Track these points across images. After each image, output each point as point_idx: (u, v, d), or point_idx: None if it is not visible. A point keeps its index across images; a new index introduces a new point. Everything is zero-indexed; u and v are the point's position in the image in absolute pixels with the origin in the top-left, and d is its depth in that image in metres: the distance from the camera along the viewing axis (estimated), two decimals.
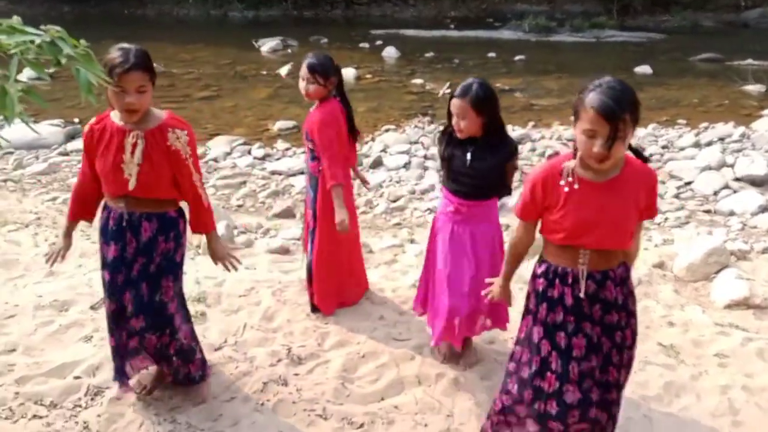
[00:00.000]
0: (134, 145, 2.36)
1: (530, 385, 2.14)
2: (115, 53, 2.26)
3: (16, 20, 1.30)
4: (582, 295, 2.05)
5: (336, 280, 3.52)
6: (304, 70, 3.22)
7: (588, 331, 2.09)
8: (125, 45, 2.31)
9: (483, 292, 2.52)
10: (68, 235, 2.64)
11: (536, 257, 2.22)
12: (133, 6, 24.52)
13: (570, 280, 2.07)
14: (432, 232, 3.07)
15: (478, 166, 2.81)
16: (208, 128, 8.77)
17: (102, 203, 2.58)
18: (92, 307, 3.59)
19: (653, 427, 2.68)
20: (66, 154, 7.47)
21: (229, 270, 2.66)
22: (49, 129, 7.90)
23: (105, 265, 2.54)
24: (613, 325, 2.09)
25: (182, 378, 2.72)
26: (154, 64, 2.41)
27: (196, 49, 15.36)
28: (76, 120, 8.87)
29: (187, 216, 2.61)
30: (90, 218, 2.65)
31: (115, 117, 2.41)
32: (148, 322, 2.51)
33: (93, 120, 2.48)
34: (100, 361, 3.01)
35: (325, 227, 3.36)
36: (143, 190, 2.41)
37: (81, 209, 2.62)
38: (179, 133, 2.40)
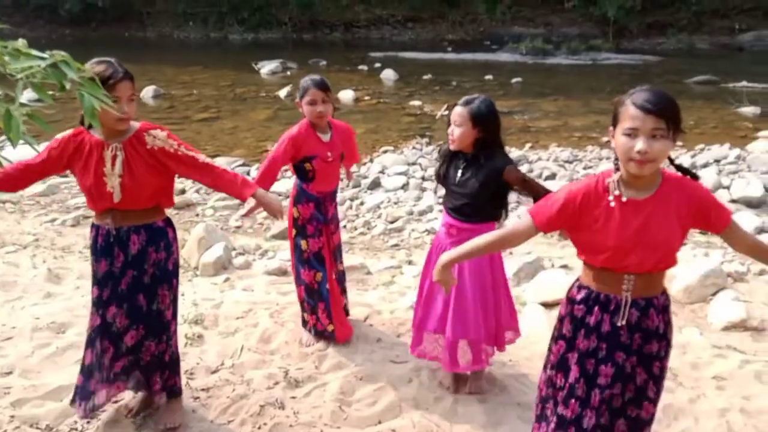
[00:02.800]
0: (114, 157, 2.37)
1: (554, 414, 2.08)
2: (100, 66, 2.28)
3: (21, 43, 1.32)
4: (621, 323, 1.95)
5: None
6: (315, 93, 3.13)
7: (620, 361, 1.98)
8: (105, 58, 2.33)
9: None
10: None
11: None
12: (134, 28, 24.82)
13: (612, 308, 1.97)
14: (428, 252, 3.07)
15: (467, 183, 2.80)
16: (207, 149, 8.82)
17: (91, 222, 2.59)
18: None
19: None
20: (65, 175, 7.49)
21: (279, 219, 2.68)
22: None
23: (95, 281, 2.56)
24: (652, 355, 1.99)
25: (168, 390, 2.70)
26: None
27: (196, 71, 15.51)
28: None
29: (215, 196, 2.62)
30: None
31: (94, 131, 2.41)
32: (148, 329, 2.54)
33: (69, 132, 2.45)
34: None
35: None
36: (128, 201, 2.42)
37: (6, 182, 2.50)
38: (155, 132, 2.42)
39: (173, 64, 16.40)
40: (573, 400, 2.02)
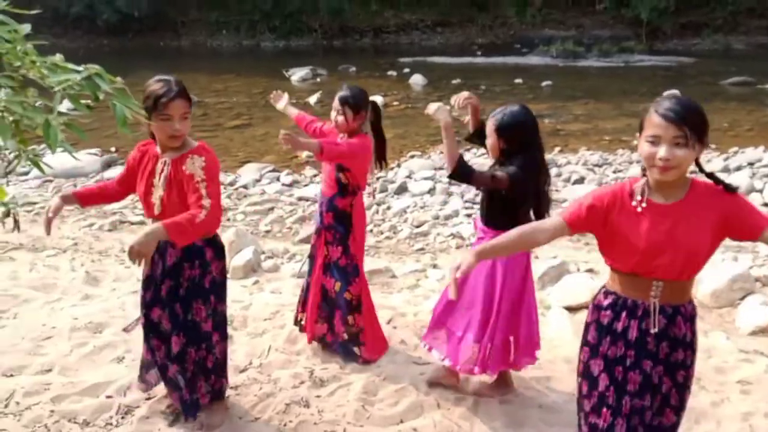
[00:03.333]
0: (161, 172, 2.51)
1: (586, 422, 2.09)
2: (156, 84, 2.41)
3: (59, 58, 1.43)
4: (654, 330, 1.96)
5: (378, 322, 3.52)
6: (336, 102, 3.23)
7: (647, 369, 1.99)
8: (164, 76, 2.46)
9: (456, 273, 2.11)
10: (65, 201, 2.63)
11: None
12: (169, 38, 25.38)
13: (639, 313, 1.99)
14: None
15: (486, 189, 2.87)
16: (239, 156, 9.01)
17: None
18: (125, 329, 3.72)
19: None
20: (103, 181, 7.74)
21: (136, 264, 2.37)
22: (86, 158, 8.22)
23: (141, 283, 2.73)
24: (677, 363, 2.00)
25: (212, 392, 2.82)
26: (172, 77, 2.55)
27: (228, 79, 15.81)
28: (113, 149, 9.20)
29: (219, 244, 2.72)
30: (82, 205, 2.80)
31: (157, 144, 2.57)
32: (188, 338, 2.66)
33: (139, 143, 2.68)
34: (130, 381, 3.12)
35: (363, 266, 3.41)
36: (167, 215, 2.50)
37: (88, 197, 2.76)
38: (196, 158, 2.48)
39: (206, 72, 16.75)
40: (605, 409, 2.03)
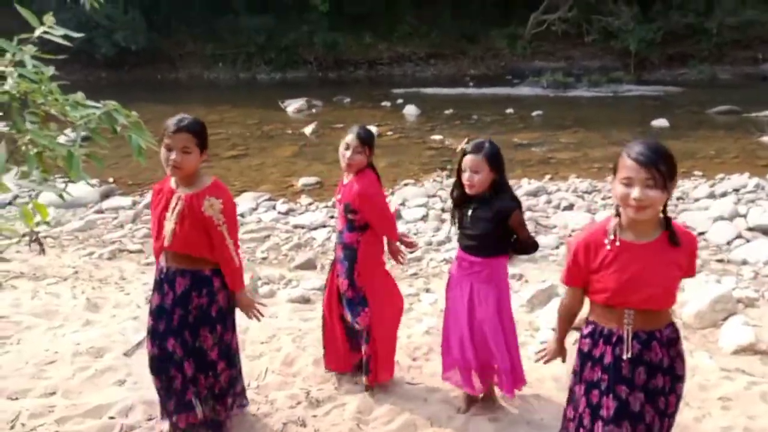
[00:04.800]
0: (175, 206, 2.66)
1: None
2: (171, 119, 2.60)
3: (80, 96, 1.59)
4: (627, 356, 2.07)
5: (393, 351, 3.50)
6: (353, 140, 3.21)
7: (623, 395, 2.09)
8: (183, 114, 2.63)
9: (538, 356, 2.63)
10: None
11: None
12: (166, 70, 25.71)
13: (614, 340, 2.11)
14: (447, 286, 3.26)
15: (478, 223, 3.00)
16: (235, 185, 9.15)
17: None
18: (125, 354, 3.83)
19: None
20: (101, 211, 7.87)
21: (253, 318, 2.89)
22: (85, 188, 8.34)
23: (150, 311, 2.83)
24: (657, 390, 2.09)
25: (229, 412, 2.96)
26: (190, 116, 2.68)
27: (224, 111, 16.05)
28: (111, 179, 9.35)
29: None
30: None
31: (173, 181, 2.72)
32: (196, 364, 2.80)
33: (158, 184, 2.81)
34: (132, 402, 3.22)
35: (376, 298, 3.34)
36: (178, 246, 2.68)
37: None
38: (214, 201, 2.63)
39: (203, 104, 16.99)
40: (581, 430, 2.17)
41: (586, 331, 2.19)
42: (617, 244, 2.04)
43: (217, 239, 2.67)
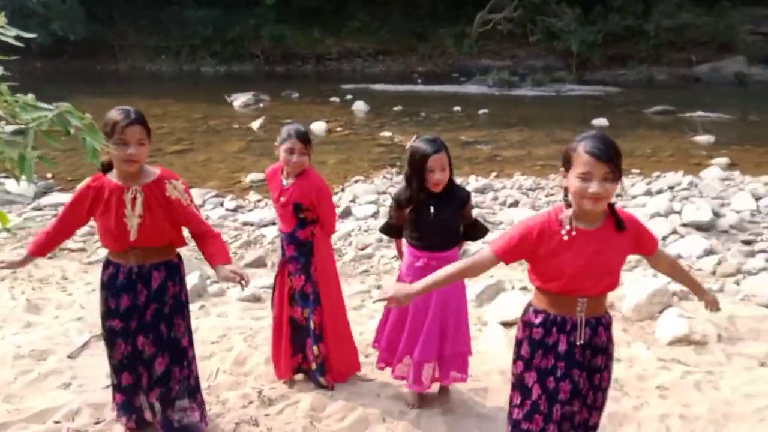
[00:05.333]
0: (134, 200, 2.59)
1: (519, 428, 2.27)
2: (115, 113, 2.53)
3: (30, 97, 1.55)
4: (580, 342, 2.17)
5: (351, 347, 3.53)
6: (296, 143, 3.15)
7: (576, 377, 2.19)
8: (124, 106, 2.58)
9: (387, 305, 2.63)
10: (24, 263, 2.82)
11: None
12: (106, 61, 24.90)
13: (568, 328, 2.19)
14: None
15: (441, 217, 3.05)
16: None
17: (105, 260, 2.81)
18: (70, 356, 3.73)
19: None
20: (40, 209, 7.60)
21: (242, 284, 2.69)
22: (22, 185, 8.01)
23: (115, 314, 2.74)
24: (595, 368, 2.22)
25: (202, 411, 2.96)
26: (132, 108, 2.65)
27: (168, 104, 15.70)
28: (49, 175, 9.03)
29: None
30: (42, 256, 2.84)
31: (112, 176, 2.63)
32: (171, 357, 2.78)
33: (89, 180, 2.67)
34: (78, 406, 3.15)
35: (329, 293, 3.37)
36: (145, 240, 2.64)
37: (43, 248, 2.79)
38: (175, 183, 2.67)
39: (146, 97, 16.55)
40: (537, 415, 2.24)
41: (537, 320, 2.23)
42: (573, 233, 2.11)
43: (193, 218, 2.72)
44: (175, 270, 2.79)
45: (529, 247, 2.16)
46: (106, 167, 2.65)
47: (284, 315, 3.42)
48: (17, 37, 1.44)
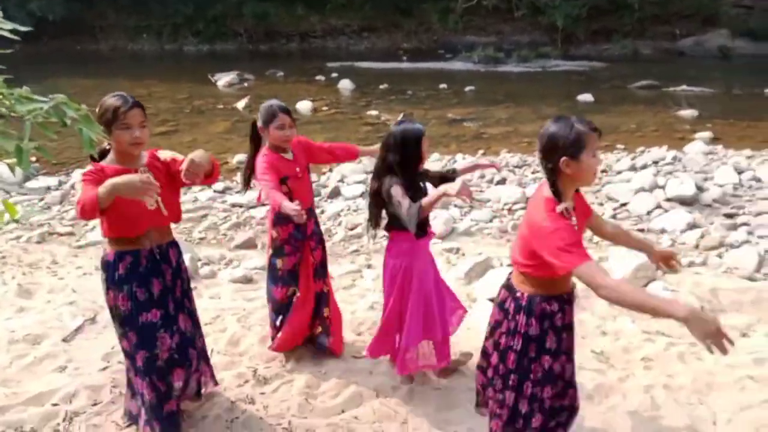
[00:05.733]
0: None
1: (553, 410, 2.31)
2: (113, 99, 2.51)
3: (26, 90, 1.57)
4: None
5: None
6: (284, 118, 3.21)
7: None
8: (117, 93, 2.56)
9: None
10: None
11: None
12: (86, 42, 24.54)
13: (573, 299, 2.32)
14: (404, 281, 3.12)
15: (425, 191, 3.11)
16: None
17: (112, 255, 2.62)
18: (64, 340, 3.76)
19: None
20: (25, 193, 7.55)
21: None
22: (3, 168, 7.96)
23: (149, 305, 2.65)
24: None
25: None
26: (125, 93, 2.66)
27: (151, 84, 15.53)
28: (33, 159, 8.95)
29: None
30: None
31: (112, 163, 2.56)
32: (195, 327, 2.90)
33: (90, 167, 2.51)
34: (75, 389, 3.20)
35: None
36: (161, 217, 2.63)
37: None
38: (161, 151, 2.74)
39: (128, 78, 16.38)
40: (571, 390, 2.35)
41: (553, 308, 2.23)
42: (576, 221, 2.18)
43: (179, 161, 2.66)
44: (178, 246, 2.85)
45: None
46: (101, 155, 2.63)
47: (311, 291, 3.48)
48: (13, 30, 1.45)
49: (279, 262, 3.41)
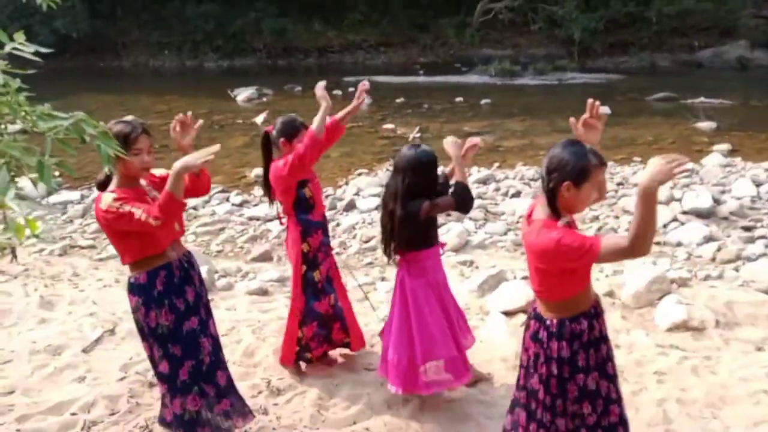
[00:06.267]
0: (154, 198, 2.64)
1: (601, 427, 2.31)
2: (120, 126, 2.57)
3: (47, 107, 1.65)
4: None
5: None
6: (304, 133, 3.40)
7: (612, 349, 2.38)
8: (122, 119, 2.64)
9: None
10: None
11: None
12: (109, 58, 25.00)
13: (599, 311, 2.31)
14: (422, 298, 3.14)
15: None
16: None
17: (143, 274, 2.63)
18: (84, 351, 3.85)
19: None
20: (48, 208, 7.72)
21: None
22: (27, 183, 8.13)
23: (189, 313, 2.69)
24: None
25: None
26: (132, 117, 2.74)
27: (172, 100, 15.77)
28: (57, 174, 9.14)
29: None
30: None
31: (122, 187, 2.58)
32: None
33: (114, 196, 2.51)
34: (94, 398, 3.27)
35: None
36: (181, 226, 2.79)
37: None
38: (155, 169, 2.79)
39: (149, 94, 16.65)
40: (612, 406, 2.32)
41: (582, 326, 2.25)
42: None
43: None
44: (192, 254, 2.89)
45: (569, 266, 2.18)
46: (104, 184, 2.63)
47: (344, 291, 3.65)
48: (36, 53, 1.53)
49: (316, 275, 3.44)
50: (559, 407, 2.32)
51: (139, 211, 2.41)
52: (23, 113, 1.59)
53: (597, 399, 2.30)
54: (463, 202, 2.97)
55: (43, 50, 1.57)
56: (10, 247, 1.71)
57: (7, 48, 1.54)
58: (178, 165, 2.45)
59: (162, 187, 2.63)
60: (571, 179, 2.13)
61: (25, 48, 1.53)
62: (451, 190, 3.05)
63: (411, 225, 3.03)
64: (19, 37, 1.53)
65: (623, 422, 2.36)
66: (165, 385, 2.73)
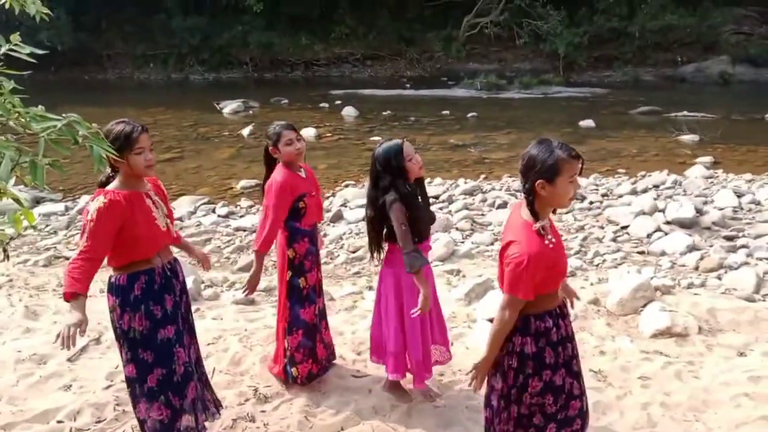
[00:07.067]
0: (154, 202, 2.69)
1: (557, 420, 2.34)
2: (121, 125, 2.58)
3: (41, 109, 1.67)
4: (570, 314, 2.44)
5: None
6: (289, 134, 3.33)
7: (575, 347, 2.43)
8: (121, 119, 2.64)
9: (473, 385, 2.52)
10: (83, 310, 2.53)
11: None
12: (94, 71, 24.96)
13: (565, 311, 2.39)
14: (409, 290, 3.17)
15: (425, 202, 3.24)
16: (172, 189, 9.06)
17: (125, 276, 2.61)
18: (69, 360, 3.82)
19: None
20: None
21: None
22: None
23: (165, 320, 2.67)
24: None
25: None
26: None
27: (157, 112, 15.77)
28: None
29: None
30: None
31: (122, 187, 2.59)
32: (197, 343, 2.97)
33: (109, 195, 2.52)
34: (80, 406, 3.25)
35: None
36: (170, 236, 2.80)
37: (87, 284, 2.54)
38: (159, 181, 2.87)
39: (135, 106, 16.63)
40: (573, 401, 2.37)
41: (546, 325, 2.29)
42: (553, 240, 2.23)
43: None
44: (179, 261, 2.90)
45: (544, 272, 2.21)
46: (105, 183, 2.64)
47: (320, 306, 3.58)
48: (30, 54, 1.55)
49: (302, 281, 3.40)
50: (514, 395, 2.37)
51: (82, 242, 2.47)
52: (17, 114, 1.60)
53: (560, 394, 2.35)
54: (408, 259, 2.96)
55: (39, 52, 1.59)
56: (2, 245, 1.71)
57: (3, 49, 1.56)
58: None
59: (164, 197, 2.79)
60: (542, 177, 2.16)
61: (21, 49, 1.55)
62: (409, 250, 2.97)
63: (378, 225, 3.14)
64: (15, 38, 1.55)
65: (582, 414, 2.41)
66: (129, 387, 2.73)
